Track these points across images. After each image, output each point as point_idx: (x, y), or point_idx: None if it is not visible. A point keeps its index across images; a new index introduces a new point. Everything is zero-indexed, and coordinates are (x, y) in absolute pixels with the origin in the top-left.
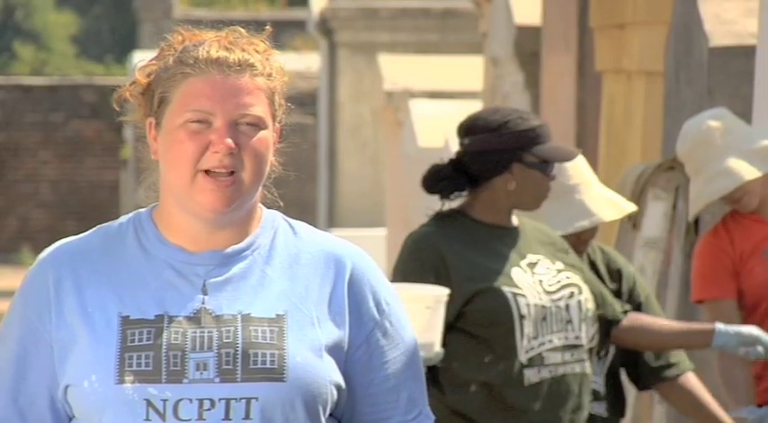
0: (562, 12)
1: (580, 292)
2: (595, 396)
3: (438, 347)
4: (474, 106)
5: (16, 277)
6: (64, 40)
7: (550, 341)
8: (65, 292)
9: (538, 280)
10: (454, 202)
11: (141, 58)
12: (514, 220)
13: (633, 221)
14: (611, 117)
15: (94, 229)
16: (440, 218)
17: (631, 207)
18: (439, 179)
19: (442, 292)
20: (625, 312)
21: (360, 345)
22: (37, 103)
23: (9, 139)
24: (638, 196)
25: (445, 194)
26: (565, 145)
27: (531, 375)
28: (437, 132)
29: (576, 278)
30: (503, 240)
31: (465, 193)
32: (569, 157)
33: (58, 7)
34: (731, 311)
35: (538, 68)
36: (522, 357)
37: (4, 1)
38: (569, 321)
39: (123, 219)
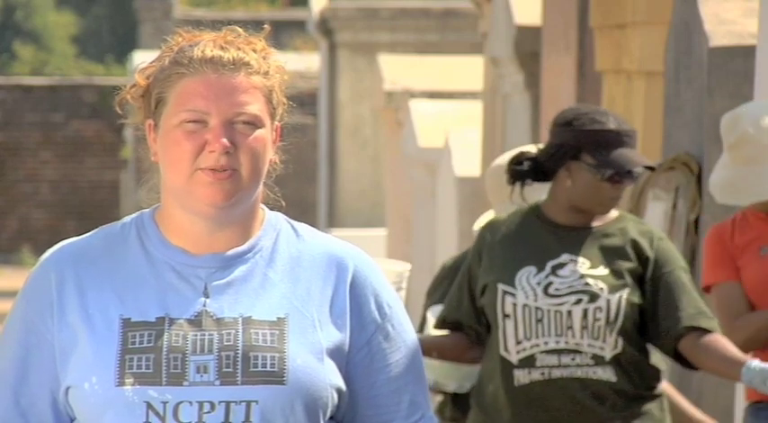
0: (562, 12)
1: (592, 300)
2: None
3: None
4: (474, 106)
5: (16, 277)
6: (64, 40)
7: (546, 343)
8: (67, 293)
9: (547, 282)
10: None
11: (141, 58)
12: (593, 221)
13: None
14: None
15: (97, 229)
16: (518, 209)
17: None
18: (515, 163)
19: (404, 267)
20: (693, 328)
21: (361, 347)
22: (37, 103)
23: (9, 139)
24: (638, 196)
25: (511, 179)
26: (636, 155)
27: (520, 376)
28: (437, 132)
29: (600, 286)
30: (545, 239)
31: (529, 182)
32: (626, 167)
33: (58, 7)
34: (736, 293)
35: (538, 68)
36: (513, 358)
37: (4, 1)
38: (570, 327)
39: (126, 220)
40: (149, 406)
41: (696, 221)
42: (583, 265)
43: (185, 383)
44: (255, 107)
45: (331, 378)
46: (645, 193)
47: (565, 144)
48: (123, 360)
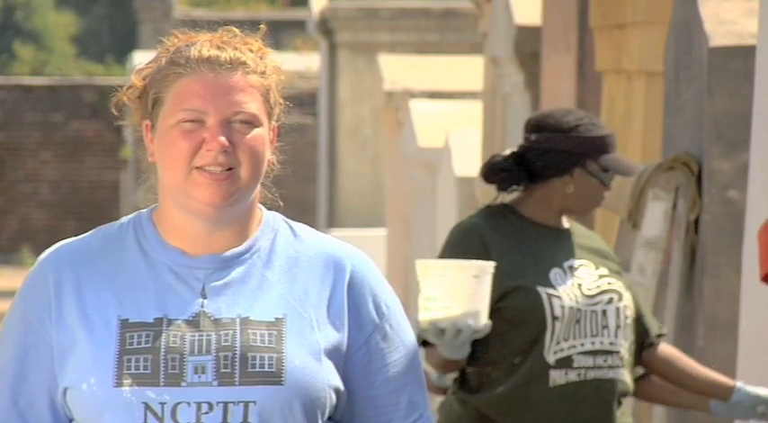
0: (562, 12)
1: (620, 299)
2: None
3: (485, 318)
4: (474, 106)
5: (16, 277)
6: (64, 40)
7: (582, 344)
8: (65, 293)
9: (577, 283)
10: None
11: (141, 58)
12: (564, 223)
13: (633, 221)
14: (611, 117)
15: (94, 230)
16: (488, 211)
17: None
18: (499, 170)
19: (488, 264)
20: (660, 336)
21: (359, 347)
22: (37, 103)
23: (9, 139)
24: (638, 196)
25: (503, 186)
26: (627, 159)
27: (557, 377)
28: (437, 132)
29: (618, 285)
30: (548, 241)
31: (521, 187)
32: (630, 172)
33: (57, 7)
34: None
35: (538, 68)
36: (550, 358)
37: (4, 1)
38: (605, 326)
39: (124, 220)
40: (147, 407)
41: (696, 221)
42: (588, 265)
43: (183, 384)
44: (253, 106)
45: (329, 378)
46: (645, 193)
47: (573, 152)
48: (121, 361)
